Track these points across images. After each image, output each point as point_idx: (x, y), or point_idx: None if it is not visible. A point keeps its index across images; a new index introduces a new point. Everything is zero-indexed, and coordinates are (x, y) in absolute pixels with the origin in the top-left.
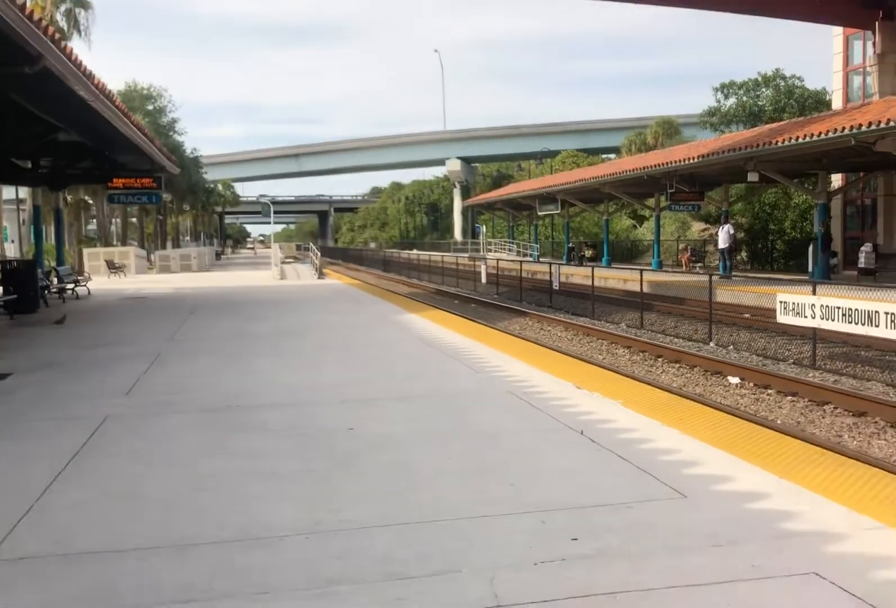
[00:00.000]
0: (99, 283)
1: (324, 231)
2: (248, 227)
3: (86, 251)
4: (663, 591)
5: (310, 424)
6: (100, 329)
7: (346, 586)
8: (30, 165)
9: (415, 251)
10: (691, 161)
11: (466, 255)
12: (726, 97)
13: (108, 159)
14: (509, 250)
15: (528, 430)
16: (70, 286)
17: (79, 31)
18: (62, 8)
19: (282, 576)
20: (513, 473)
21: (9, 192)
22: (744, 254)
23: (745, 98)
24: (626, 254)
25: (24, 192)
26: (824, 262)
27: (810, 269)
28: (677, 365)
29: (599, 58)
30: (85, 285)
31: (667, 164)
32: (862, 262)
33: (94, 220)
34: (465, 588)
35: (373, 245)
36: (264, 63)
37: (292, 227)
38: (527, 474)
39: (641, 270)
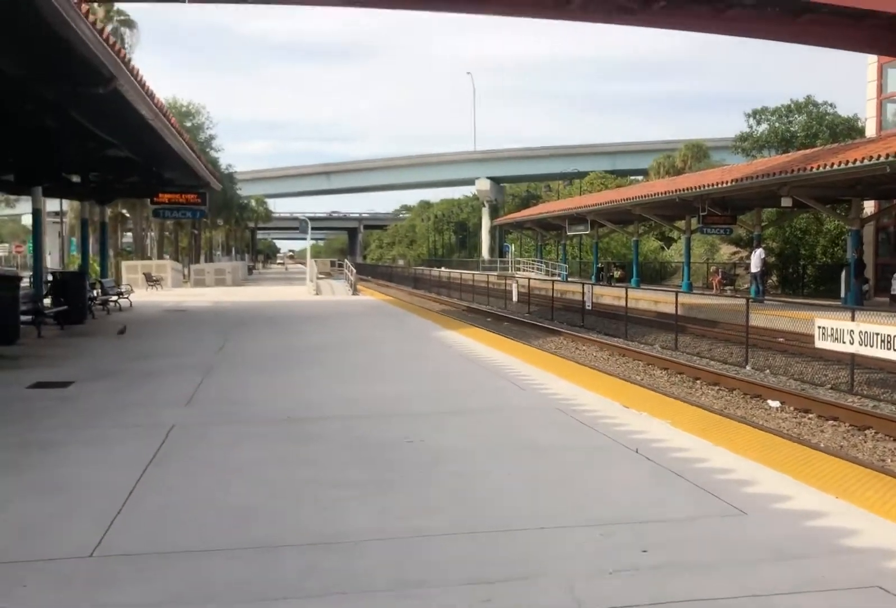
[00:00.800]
0: (138, 295)
1: (353, 247)
2: (278, 243)
3: (124, 264)
4: (735, 600)
5: (369, 436)
6: (147, 340)
7: (433, 588)
8: (79, 180)
9: (443, 269)
10: (725, 185)
11: (495, 273)
12: (758, 123)
13: (154, 175)
14: (538, 269)
15: (583, 447)
16: (114, 298)
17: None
18: (109, 27)
19: (368, 578)
20: (574, 488)
21: (50, 204)
22: (774, 278)
23: (776, 124)
24: (654, 275)
25: (64, 204)
26: (857, 288)
27: (843, 294)
28: (716, 387)
29: (629, 80)
30: (127, 297)
31: (699, 187)
32: (894, 289)
33: (130, 234)
34: (546, 593)
35: (401, 262)
36: (294, 80)
37: (321, 243)
38: (589, 488)
39: (677, 292)
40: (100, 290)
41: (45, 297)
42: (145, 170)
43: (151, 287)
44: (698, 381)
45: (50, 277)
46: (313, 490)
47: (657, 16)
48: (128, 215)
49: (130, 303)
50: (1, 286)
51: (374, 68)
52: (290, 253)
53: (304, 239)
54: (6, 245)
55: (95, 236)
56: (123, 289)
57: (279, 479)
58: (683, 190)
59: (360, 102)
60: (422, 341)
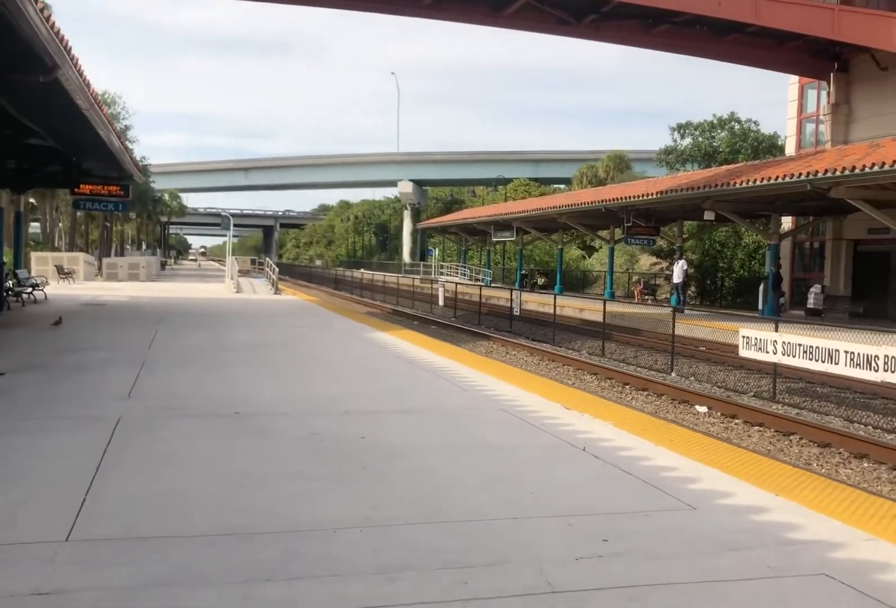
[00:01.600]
0: (51, 288)
1: (268, 246)
2: (189, 239)
3: (34, 255)
4: (695, 585)
5: (322, 432)
6: (72, 334)
7: (412, 572)
8: None
9: (363, 271)
10: (650, 197)
11: (418, 276)
12: (682, 137)
13: (75, 165)
14: (461, 274)
15: (532, 445)
16: (28, 290)
17: None
18: None
19: (347, 563)
20: (529, 483)
21: None
22: (693, 289)
23: (700, 139)
24: (576, 283)
25: None
26: (774, 301)
27: (760, 306)
28: (645, 392)
29: (558, 90)
30: (42, 290)
31: (625, 198)
32: (811, 303)
33: (36, 224)
34: (519, 576)
35: (319, 262)
36: (213, 74)
37: (235, 240)
38: (543, 484)
39: (605, 300)
40: (14, 282)
41: None
42: (66, 159)
43: (63, 280)
44: (627, 386)
45: None
46: (278, 481)
47: (590, 29)
48: (35, 205)
49: (45, 295)
50: None
51: (297, 66)
52: (203, 249)
53: (217, 235)
54: None
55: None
56: (38, 281)
57: (241, 471)
58: (609, 200)
59: (280, 99)
60: (356, 342)
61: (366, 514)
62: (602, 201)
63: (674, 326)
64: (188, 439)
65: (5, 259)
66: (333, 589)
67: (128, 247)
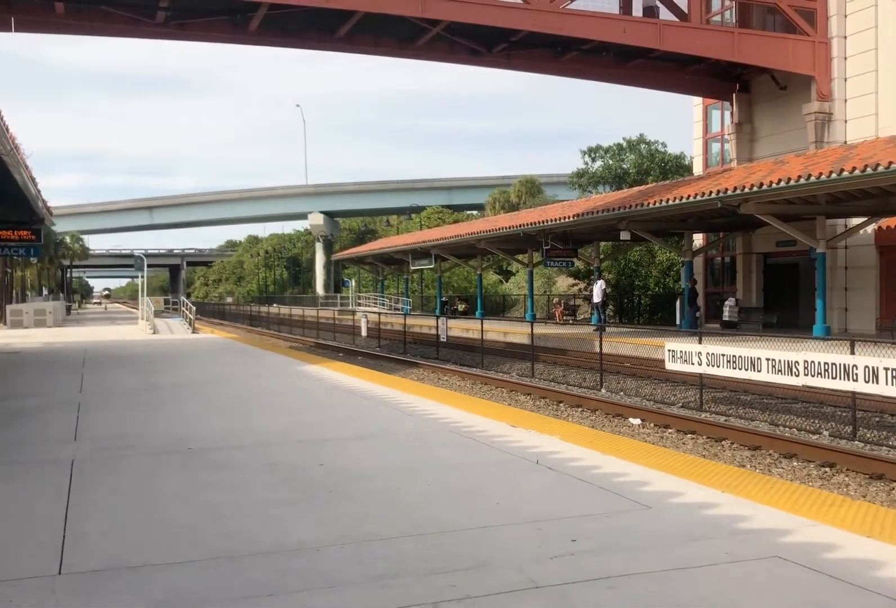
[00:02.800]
0: None
1: (175, 285)
2: (91, 281)
3: None
4: (665, 573)
5: (280, 461)
6: None
7: (402, 579)
8: None
9: (276, 306)
10: (567, 220)
11: (335, 309)
12: (593, 160)
13: None
14: (380, 304)
15: (487, 462)
16: None
17: None
18: None
19: (339, 574)
20: (492, 495)
21: None
22: (611, 308)
23: (610, 161)
24: (496, 307)
25: None
26: (691, 315)
27: (678, 321)
28: (580, 409)
29: (465, 116)
30: None
31: (543, 222)
32: (726, 316)
33: None
34: (502, 576)
35: (230, 299)
36: (105, 112)
37: (138, 281)
38: (505, 495)
39: (532, 323)
40: None
41: None
42: None
43: None
44: (561, 404)
45: None
46: (249, 508)
47: (501, 58)
48: None
49: None
50: None
51: (198, 101)
52: (107, 291)
53: (120, 276)
54: None
55: None
56: None
57: (210, 501)
58: (527, 224)
59: (182, 136)
60: (289, 375)
61: (342, 533)
62: (520, 225)
63: (601, 344)
64: (148, 476)
65: None
66: (333, 598)
67: (28, 293)
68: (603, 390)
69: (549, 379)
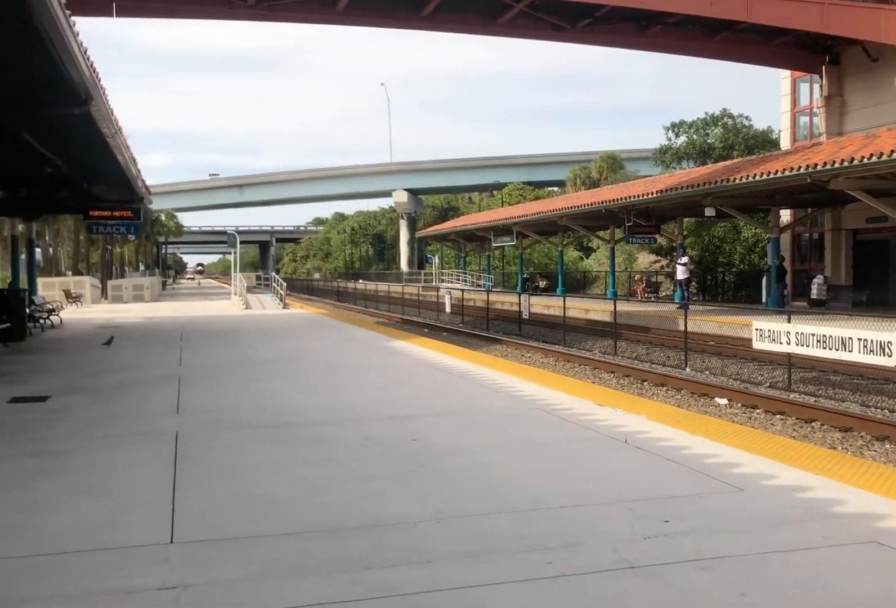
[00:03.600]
0: (62, 312)
1: (265, 261)
2: (185, 257)
3: (41, 281)
4: (760, 556)
5: (373, 436)
6: (102, 356)
7: (496, 555)
8: (6, 196)
9: (362, 281)
10: (650, 196)
11: (419, 285)
12: (677, 135)
13: (85, 191)
14: (462, 281)
15: (574, 440)
16: (45, 315)
17: None
18: None
19: (435, 550)
20: (581, 473)
21: None
22: (693, 285)
23: (694, 136)
24: (576, 284)
25: None
26: (778, 293)
27: (764, 299)
28: (664, 388)
29: (546, 92)
30: (58, 314)
31: (626, 198)
32: (814, 294)
33: (38, 249)
34: (595, 555)
35: (317, 275)
36: (199, 92)
37: (230, 257)
38: (594, 474)
39: (614, 300)
40: (32, 308)
41: None
42: (77, 186)
43: (72, 304)
44: (646, 383)
45: None
46: (346, 482)
47: (585, 33)
48: (38, 231)
49: (61, 320)
50: None
51: (287, 81)
52: (200, 267)
53: (212, 252)
54: None
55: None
56: (53, 306)
57: (308, 475)
58: (610, 201)
59: (271, 115)
60: (377, 351)
61: (437, 508)
62: (602, 202)
63: (686, 322)
64: (248, 449)
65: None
66: (428, 572)
67: (127, 268)
68: (688, 369)
69: (631, 357)
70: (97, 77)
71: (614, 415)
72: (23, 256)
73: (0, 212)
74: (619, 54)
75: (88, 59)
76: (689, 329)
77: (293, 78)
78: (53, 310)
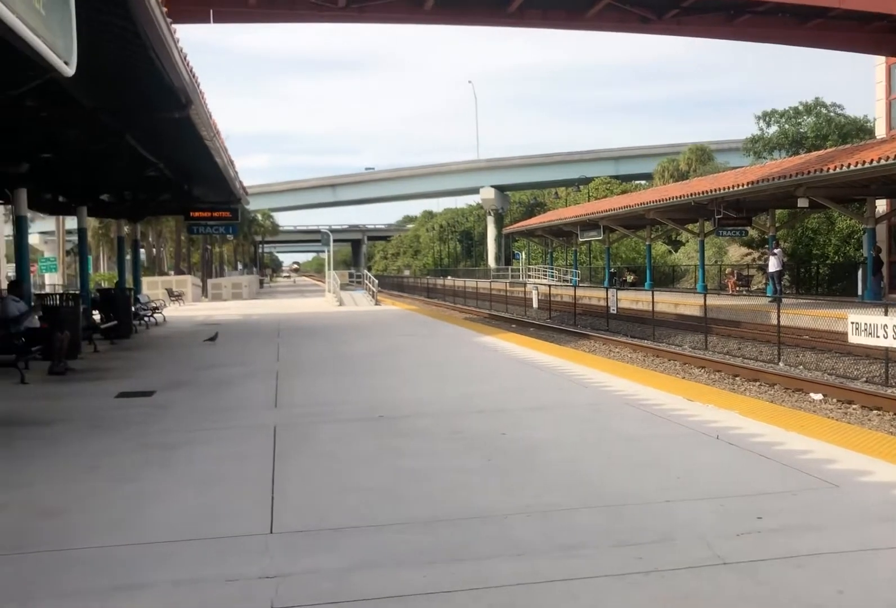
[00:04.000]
0: (165, 310)
1: (357, 259)
2: (280, 256)
3: (144, 280)
4: (854, 553)
5: (464, 430)
6: (202, 352)
7: (587, 550)
8: (113, 199)
9: (450, 278)
10: (741, 187)
11: (506, 281)
12: (768, 125)
13: (186, 192)
14: (550, 276)
15: (664, 436)
16: (149, 313)
17: None
18: None
19: (526, 543)
20: (672, 469)
21: (49, 222)
22: (786, 278)
23: (786, 126)
24: (664, 278)
25: (70, 222)
26: (875, 285)
27: (860, 292)
28: (757, 383)
29: (629, 85)
30: (161, 313)
31: (715, 190)
32: None
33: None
34: (688, 551)
35: (407, 272)
36: (290, 94)
37: (323, 255)
38: (685, 469)
39: (704, 294)
40: (137, 306)
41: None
42: (178, 188)
43: (174, 302)
44: (737, 378)
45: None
46: (439, 474)
47: (672, 24)
48: (142, 232)
49: (164, 317)
50: (67, 304)
51: (374, 81)
52: (296, 265)
53: (306, 251)
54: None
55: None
56: (157, 304)
57: (402, 467)
58: (699, 193)
59: (360, 115)
60: (466, 346)
61: (528, 502)
62: (691, 194)
63: (779, 316)
64: (344, 441)
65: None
66: (520, 565)
67: (225, 267)
68: (781, 364)
69: (722, 352)
70: (196, 82)
71: (705, 410)
72: (128, 257)
73: (107, 214)
74: (706, 45)
75: (188, 64)
76: (781, 323)
77: (383, 78)
78: (157, 308)
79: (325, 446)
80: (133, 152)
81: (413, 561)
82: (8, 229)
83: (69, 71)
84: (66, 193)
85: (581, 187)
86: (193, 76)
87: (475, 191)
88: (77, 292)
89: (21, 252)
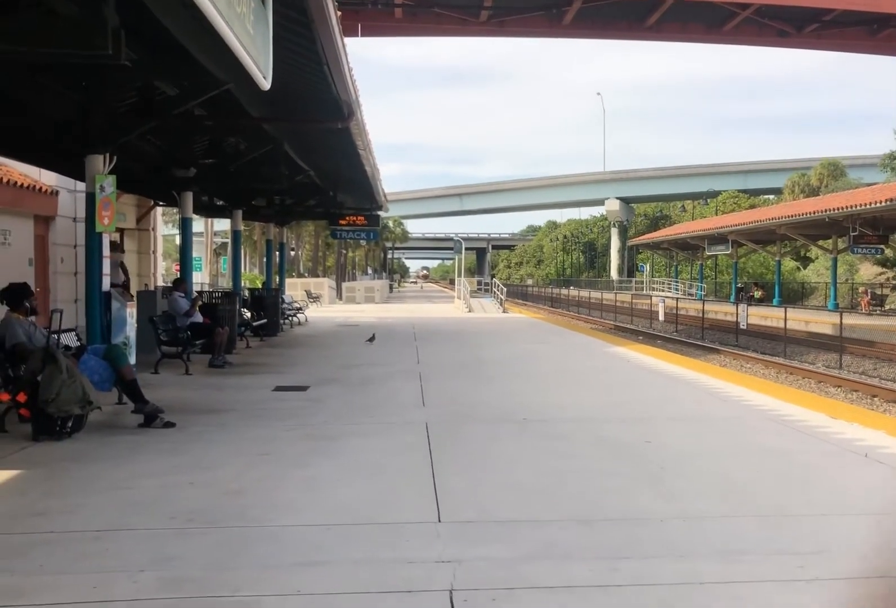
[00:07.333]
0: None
1: (481, 267)
2: (406, 262)
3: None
4: None
5: (608, 436)
6: (343, 351)
7: (748, 556)
8: (264, 203)
9: (573, 288)
10: (879, 204)
11: (630, 293)
12: None
13: (331, 198)
14: (675, 289)
15: (811, 451)
16: (294, 313)
17: None
18: None
19: (686, 546)
20: (821, 484)
21: (198, 224)
22: None
23: None
24: (793, 295)
25: (217, 224)
26: None
27: None
28: None
29: (758, 99)
30: (303, 313)
31: (850, 206)
32: None
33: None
34: (846, 562)
35: (530, 281)
36: (419, 105)
37: (450, 263)
38: (836, 486)
39: (840, 312)
40: (283, 306)
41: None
42: (324, 193)
43: (312, 303)
44: (876, 398)
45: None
46: (590, 477)
47: (810, 38)
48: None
49: (306, 318)
50: (225, 302)
51: (501, 93)
52: (425, 271)
53: (432, 258)
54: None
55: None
56: (300, 304)
57: (554, 468)
58: (834, 209)
59: (487, 125)
60: (596, 355)
61: (682, 507)
62: (825, 210)
63: None
64: (493, 441)
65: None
66: (683, 567)
67: (357, 272)
68: None
69: (858, 371)
70: (358, 94)
71: (850, 428)
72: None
73: (258, 217)
74: (842, 58)
75: (353, 79)
76: None
77: (510, 90)
78: (300, 308)
79: (477, 444)
80: (287, 159)
81: (578, 556)
82: (165, 230)
83: (266, 84)
84: (223, 197)
85: (708, 201)
86: (356, 90)
87: (599, 202)
88: (233, 290)
89: (185, 251)
